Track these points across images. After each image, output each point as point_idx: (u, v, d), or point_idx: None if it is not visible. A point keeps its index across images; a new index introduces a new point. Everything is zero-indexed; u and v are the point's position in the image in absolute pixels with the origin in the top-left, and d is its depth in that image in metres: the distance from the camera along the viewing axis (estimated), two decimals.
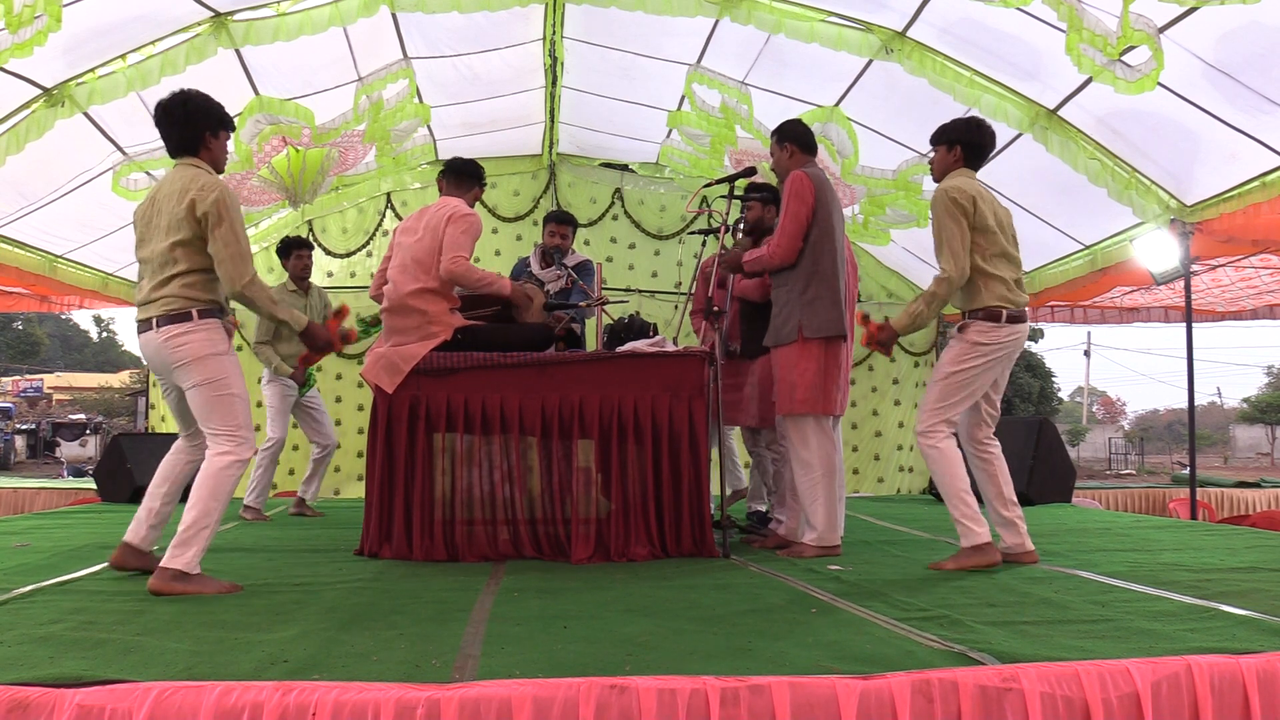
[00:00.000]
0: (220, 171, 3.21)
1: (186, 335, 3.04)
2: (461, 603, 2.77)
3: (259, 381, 5.80)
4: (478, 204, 4.38)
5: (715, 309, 4.28)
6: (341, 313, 3.61)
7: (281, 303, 3.24)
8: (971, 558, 3.50)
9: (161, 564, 2.95)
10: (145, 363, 3.25)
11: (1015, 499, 3.69)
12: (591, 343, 5.36)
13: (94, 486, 7.81)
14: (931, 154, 3.84)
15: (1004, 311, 3.55)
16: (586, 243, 8.57)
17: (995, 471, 3.67)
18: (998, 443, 3.73)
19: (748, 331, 4.69)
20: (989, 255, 3.55)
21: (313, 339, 3.35)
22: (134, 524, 3.21)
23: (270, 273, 8.55)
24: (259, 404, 5.83)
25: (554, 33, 6.64)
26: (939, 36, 5.76)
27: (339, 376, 8.50)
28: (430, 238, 3.89)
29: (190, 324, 3.05)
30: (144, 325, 3.10)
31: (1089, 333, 41.74)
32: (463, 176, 4.19)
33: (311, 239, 8.12)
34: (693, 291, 5.28)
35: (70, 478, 14.93)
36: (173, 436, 3.39)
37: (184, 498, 3.16)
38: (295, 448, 8.37)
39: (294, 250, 5.78)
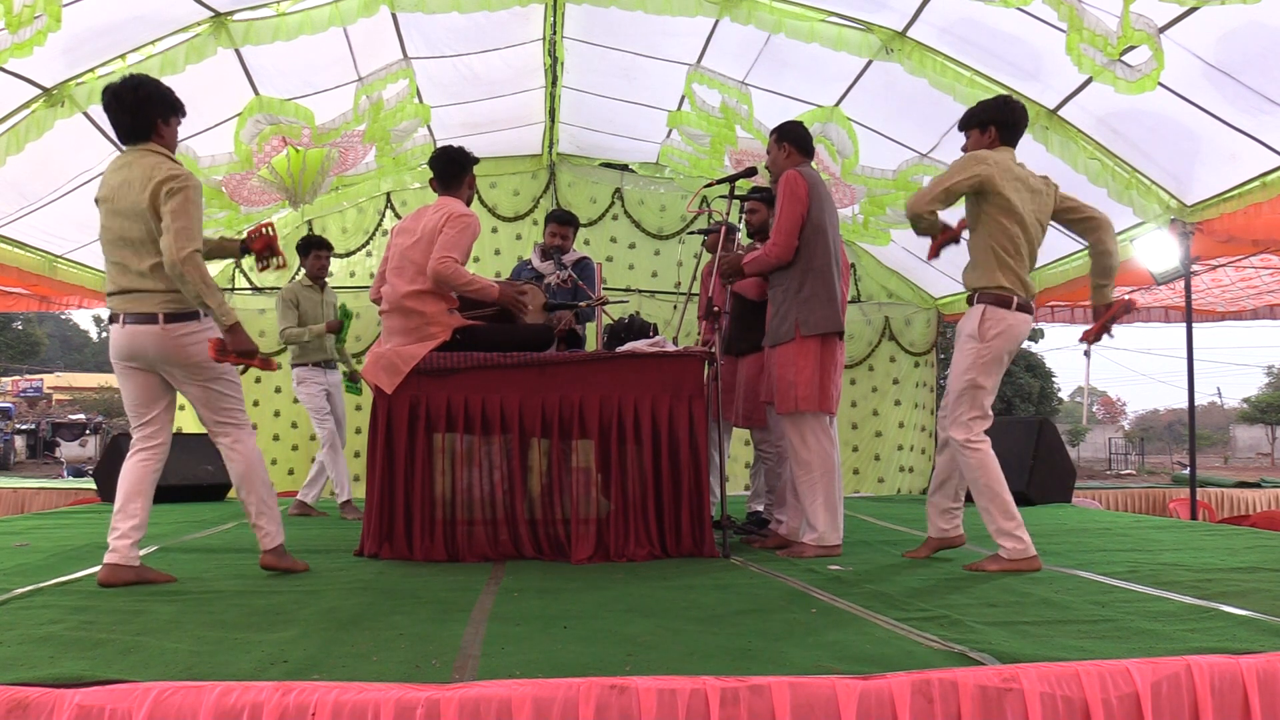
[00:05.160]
0: (171, 156, 3.17)
1: (201, 334, 3.12)
2: (461, 603, 2.77)
3: (294, 384, 5.89)
4: (477, 204, 4.38)
5: (715, 309, 4.29)
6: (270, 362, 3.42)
7: (213, 294, 3.13)
8: (1018, 566, 3.45)
9: (267, 548, 3.29)
10: (121, 351, 3.09)
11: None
12: (591, 343, 5.36)
13: (94, 486, 7.81)
14: (963, 139, 3.73)
15: (1014, 298, 3.51)
16: (586, 242, 8.56)
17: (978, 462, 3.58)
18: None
19: (739, 329, 4.71)
20: (1006, 243, 3.51)
21: (239, 341, 3.10)
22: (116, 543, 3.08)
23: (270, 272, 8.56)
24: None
25: (554, 33, 6.64)
26: (939, 36, 5.77)
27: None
28: (426, 240, 3.88)
29: (198, 323, 3.12)
30: (141, 318, 3.06)
31: None
32: (449, 174, 4.07)
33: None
34: (697, 293, 5.28)
35: (70, 478, 14.92)
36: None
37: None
38: (295, 447, 8.38)
39: (313, 249, 5.94)
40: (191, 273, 2.98)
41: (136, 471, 3.16)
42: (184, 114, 3.25)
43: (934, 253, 3.69)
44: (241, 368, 3.26)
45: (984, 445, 3.51)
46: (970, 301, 3.62)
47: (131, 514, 3.09)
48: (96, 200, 3.19)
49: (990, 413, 3.56)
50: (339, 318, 5.88)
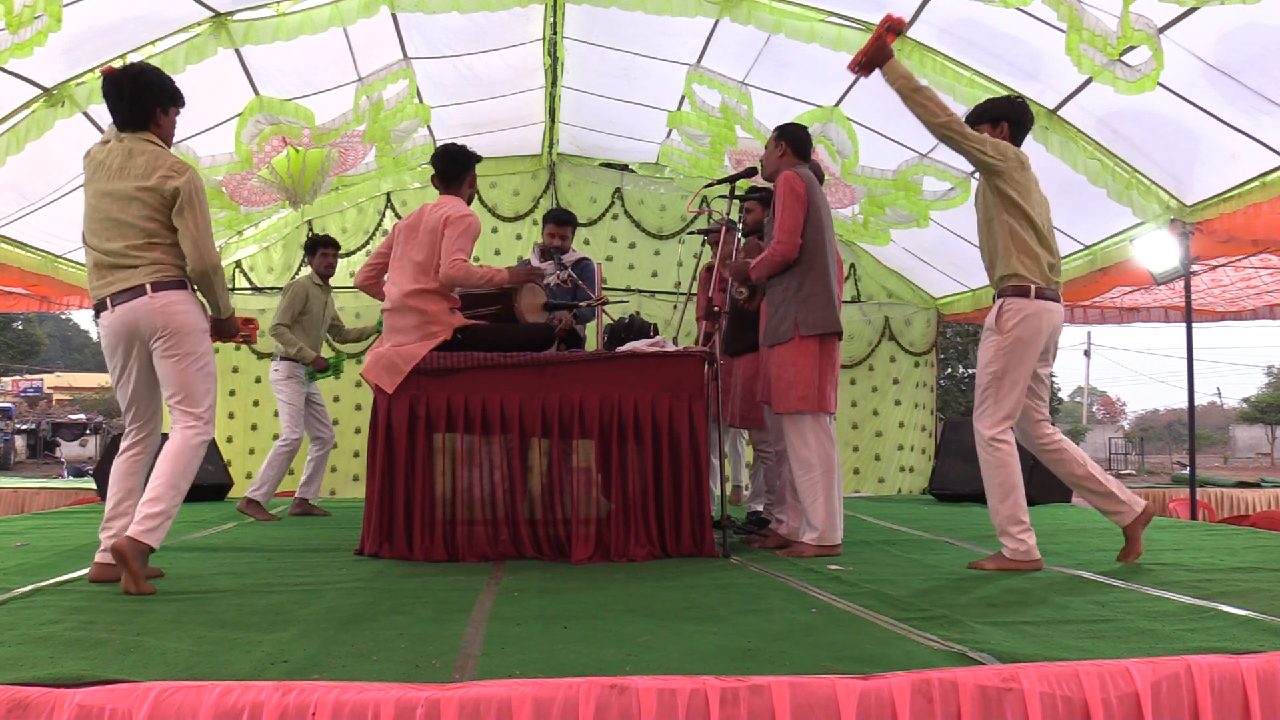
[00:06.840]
0: (169, 147, 3.17)
1: (187, 305, 3.08)
2: (461, 603, 2.77)
3: (273, 377, 5.79)
4: (477, 204, 4.39)
5: (715, 309, 4.29)
6: (251, 322, 3.65)
7: (225, 294, 3.26)
8: (1019, 566, 3.46)
9: (134, 535, 2.88)
10: (112, 334, 3.07)
11: (1099, 472, 3.59)
12: (592, 343, 5.36)
13: (94, 486, 7.82)
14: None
15: (1032, 287, 3.50)
16: (586, 242, 8.57)
17: (1072, 455, 3.58)
18: (1058, 430, 3.64)
19: (735, 329, 4.71)
20: (1020, 233, 3.52)
21: (225, 330, 3.34)
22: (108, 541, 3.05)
23: (270, 272, 8.57)
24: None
25: (554, 33, 6.64)
26: (939, 36, 5.76)
27: (337, 376, 8.48)
28: (429, 239, 3.89)
29: (186, 293, 3.10)
30: (133, 292, 3.00)
31: (1089, 333, 41.62)
32: (451, 173, 4.10)
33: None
34: (696, 293, 5.28)
35: (70, 478, 14.93)
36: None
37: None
38: None
39: (320, 248, 5.93)
40: (217, 279, 3.14)
41: (129, 471, 3.15)
42: (183, 104, 3.23)
43: (864, 56, 3.47)
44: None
45: (1008, 445, 3.50)
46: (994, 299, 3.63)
47: (124, 513, 3.07)
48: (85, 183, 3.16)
49: (1015, 409, 3.52)
50: (332, 365, 5.83)
